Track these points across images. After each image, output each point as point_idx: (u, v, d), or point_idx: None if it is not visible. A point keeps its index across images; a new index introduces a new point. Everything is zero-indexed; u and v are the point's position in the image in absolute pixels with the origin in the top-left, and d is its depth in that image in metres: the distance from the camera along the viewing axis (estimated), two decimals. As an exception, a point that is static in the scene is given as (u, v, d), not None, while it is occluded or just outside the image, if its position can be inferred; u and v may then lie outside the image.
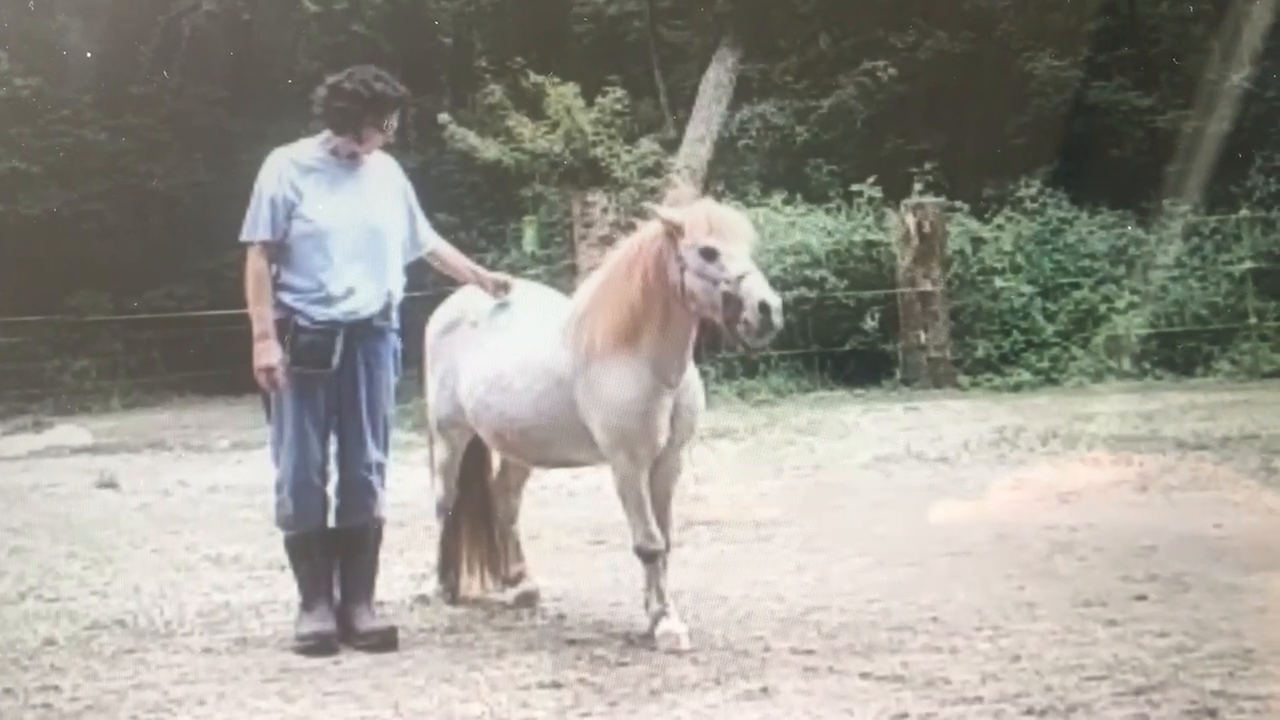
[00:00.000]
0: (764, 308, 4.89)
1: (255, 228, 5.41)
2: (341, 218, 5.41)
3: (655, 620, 5.27)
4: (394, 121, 5.54)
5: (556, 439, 5.51)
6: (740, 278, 4.96)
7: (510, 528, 6.17)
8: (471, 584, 6.16)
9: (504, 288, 5.86)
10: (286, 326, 5.37)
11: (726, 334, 5.12)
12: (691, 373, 5.38)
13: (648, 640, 5.23)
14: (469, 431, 5.92)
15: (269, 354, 5.34)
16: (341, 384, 5.44)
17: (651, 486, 5.36)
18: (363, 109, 5.43)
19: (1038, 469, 9.24)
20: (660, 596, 5.29)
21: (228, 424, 15.85)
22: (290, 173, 5.43)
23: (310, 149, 5.54)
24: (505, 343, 5.66)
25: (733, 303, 4.95)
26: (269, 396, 5.46)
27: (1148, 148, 18.00)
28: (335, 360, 5.37)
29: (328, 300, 5.38)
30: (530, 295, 5.97)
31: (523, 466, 6.10)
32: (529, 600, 5.98)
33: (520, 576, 6.08)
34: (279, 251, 5.42)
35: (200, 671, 5.10)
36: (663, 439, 5.27)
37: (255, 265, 5.40)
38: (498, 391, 5.60)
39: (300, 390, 5.39)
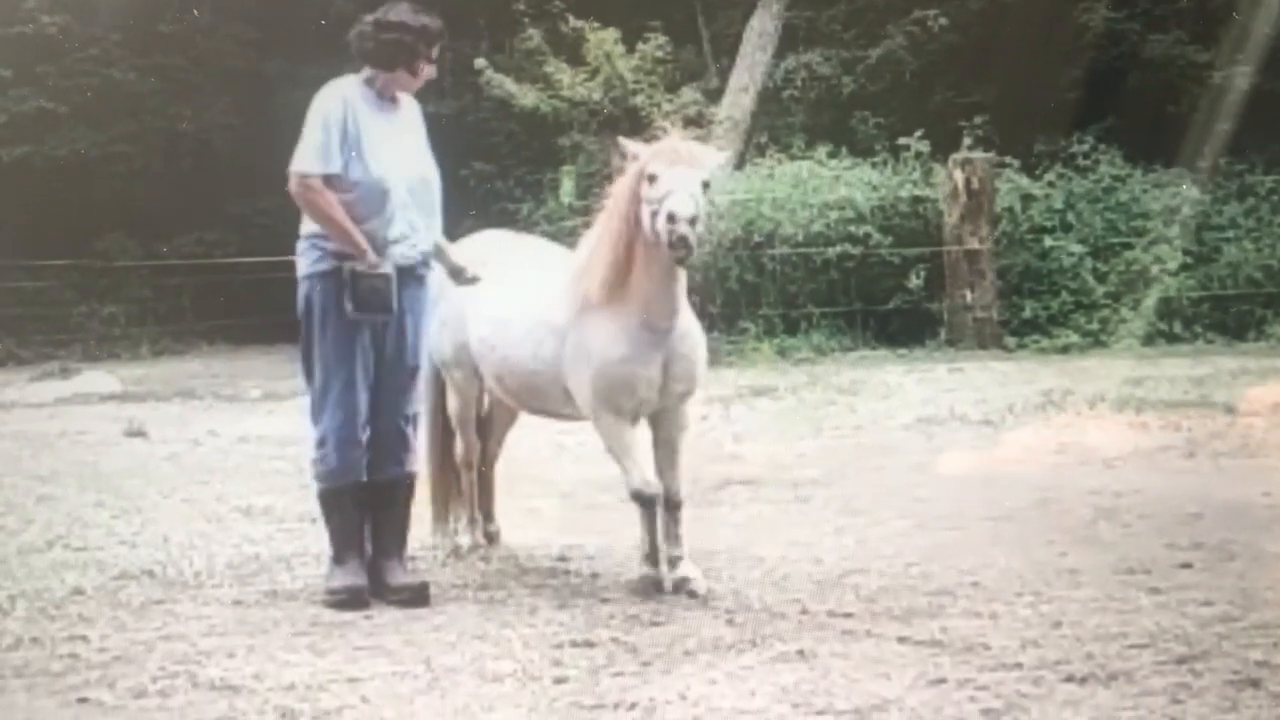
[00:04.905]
0: (670, 217, 4.95)
1: (326, 158, 5.20)
2: (394, 162, 5.32)
3: (672, 566, 5.36)
4: (437, 52, 5.44)
5: (551, 390, 5.58)
6: (665, 195, 5.01)
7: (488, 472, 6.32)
8: (473, 532, 6.24)
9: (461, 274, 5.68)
10: (338, 275, 5.25)
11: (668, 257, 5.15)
12: (690, 323, 5.42)
13: (676, 591, 5.28)
14: (474, 376, 5.97)
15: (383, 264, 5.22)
16: (388, 333, 5.37)
17: (657, 443, 5.47)
18: (415, 39, 5.33)
19: (1084, 433, 9.13)
20: (652, 551, 5.37)
21: (259, 373, 15.91)
22: (354, 108, 5.27)
23: (355, 87, 5.40)
24: (513, 288, 5.71)
25: (656, 220, 5.03)
26: (310, 355, 5.38)
27: (1205, 104, 17.61)
28: (395, 304, 5.27)
29: (383, 246, 5.28)
30: (544, 248, 6.11)
31: (509, 413, 6.23)
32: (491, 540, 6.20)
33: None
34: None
35: (229, 624, 5.08)
36: (645, 391, 5.31)
37: (323, 194, 5.20)
38: (500, 335, 5.70)
39: (349, 341, 5.30)
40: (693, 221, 4.97)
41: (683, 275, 5.30)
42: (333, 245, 5.27)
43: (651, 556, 5.40)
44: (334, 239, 5.25)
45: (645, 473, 5.39)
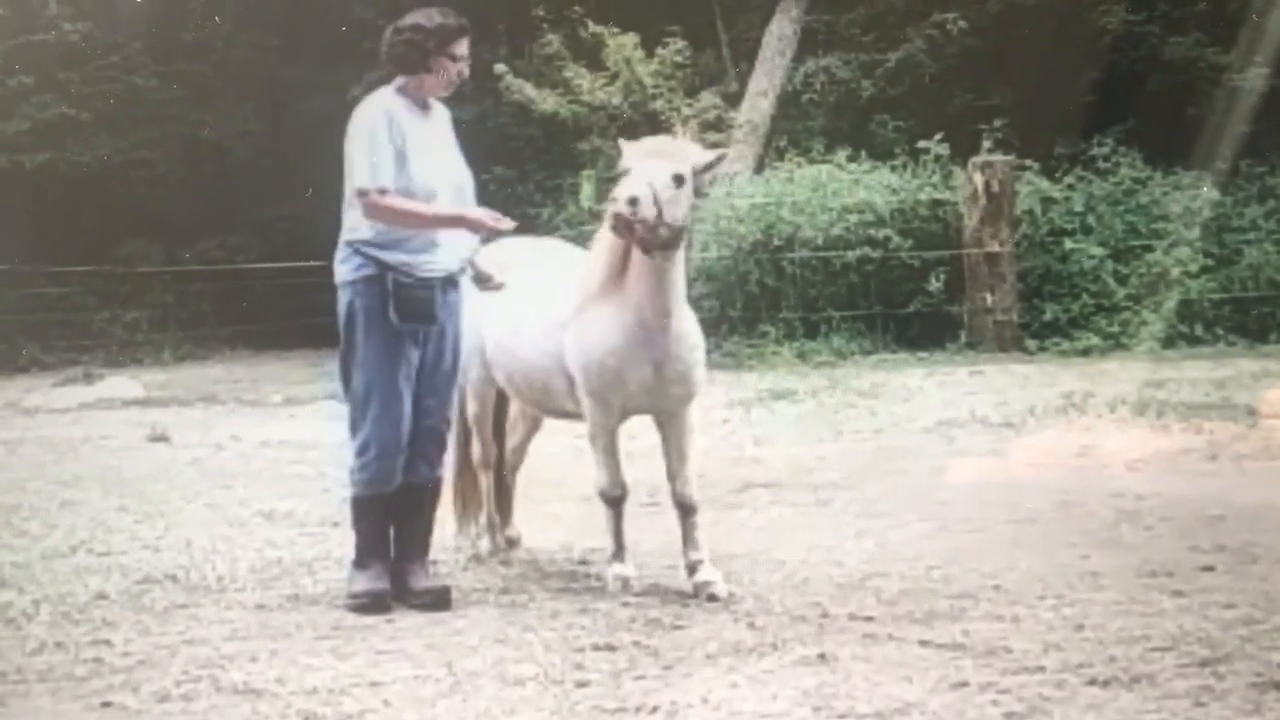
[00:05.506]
0: (612, 199, 5.05)
1: (382, 174, 5.23)
2: (436, 169, 5.36)
3: (692, 570, 5.41)
4: (463, 50, 5.44)
5: (555, 384, 5.63)
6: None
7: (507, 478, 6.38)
8: (491, 535, 6.28)
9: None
10: (382, 283, 5.27)
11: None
12: (687, 326, 5.43)
13: (697, 595, 5.31)
14: (490, 378, 6.04)
15: (479, 216, 5.31)
16: (430, 339, 5.39)
17: (665, 448, 5.52)
18: (426, 38, 5.36)
19: (1105, 436, 9.10)
20: (618, 550, 5.53)
21: (280, 378, 15.91)
22: (395, 119, 5.31)
23: (392, 98, 5.43)
24: (528, 291, 5.76)
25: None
26: (350, 362, 5.37)
27: (1225, 107, 17.53)
28: (438, 313, 5.32)
29: (424, 254, 5.31)
30: (564, 252, 6.23)
31: (534, 418, 6.28)
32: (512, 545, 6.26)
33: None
34: None
35: (252, 628, 5.10)
36: (635, 388, 5.36)
37: (390, 199, 5.23)
38: (514, 334, 5.78)
39: (394, 347, 5.31)
40: (632, 201, 5.00)
41: (677, 276, 5.33)
42: (383, 254, 5.26)
43: (619, 554, 5.55)
44: (427, 229, 5.28)
45: (618, 474, 5.51)
